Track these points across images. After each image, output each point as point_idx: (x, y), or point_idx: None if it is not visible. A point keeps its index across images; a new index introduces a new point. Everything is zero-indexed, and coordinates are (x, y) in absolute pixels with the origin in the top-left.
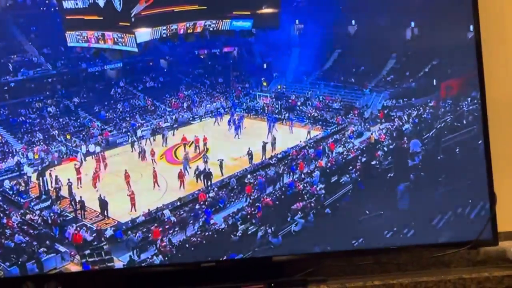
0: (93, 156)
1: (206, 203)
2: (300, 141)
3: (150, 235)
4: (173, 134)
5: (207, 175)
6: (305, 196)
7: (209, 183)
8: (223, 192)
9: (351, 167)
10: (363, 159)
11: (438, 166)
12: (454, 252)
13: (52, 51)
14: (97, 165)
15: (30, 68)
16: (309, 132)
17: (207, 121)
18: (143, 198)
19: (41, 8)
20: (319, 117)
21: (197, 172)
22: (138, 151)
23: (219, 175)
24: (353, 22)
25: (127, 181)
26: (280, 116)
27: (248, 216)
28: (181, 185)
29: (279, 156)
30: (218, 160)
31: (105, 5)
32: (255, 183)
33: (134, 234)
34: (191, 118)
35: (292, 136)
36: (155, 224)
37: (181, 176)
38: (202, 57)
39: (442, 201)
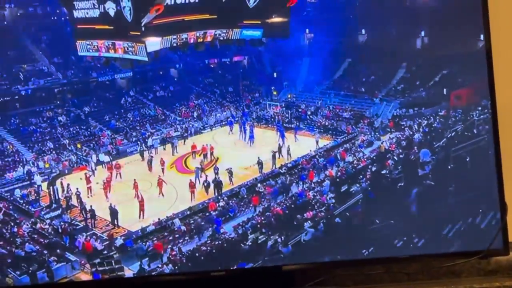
0: (104, 165)
1: (216, 212)
2: (310, 150)
3: (152, 248)
4: (184, 143)
5: (218, 184)
6: (315, 206)
7: (220, 192)
8: (233, 202)
9: (361, 177)
10: (373, 169)
11: (448, 175)
12: (464, 262)
13: (63, 60)
14: (108, 174)
15: (40, 77)
16: (317, 142)
17: (217, 130)
18: (153, 207)
19: (52, 18)
20: (329, 126)
21: (205, 184)
22: (147, 160)
23: (229, 184)
24: (363, 31)
25: (136, 190)
26: (290, 125)
27: (258, 225)
28: (192, 195)
29: (289, 165)
30: (227, 169)
31: (115, 14)
32: (264, 193)
33: (144, 243)
34: (201, 128)
35: (301, 145)
36: (164, 234)
37: (191, 187)
38: (212, 66)
39: (452, 211)
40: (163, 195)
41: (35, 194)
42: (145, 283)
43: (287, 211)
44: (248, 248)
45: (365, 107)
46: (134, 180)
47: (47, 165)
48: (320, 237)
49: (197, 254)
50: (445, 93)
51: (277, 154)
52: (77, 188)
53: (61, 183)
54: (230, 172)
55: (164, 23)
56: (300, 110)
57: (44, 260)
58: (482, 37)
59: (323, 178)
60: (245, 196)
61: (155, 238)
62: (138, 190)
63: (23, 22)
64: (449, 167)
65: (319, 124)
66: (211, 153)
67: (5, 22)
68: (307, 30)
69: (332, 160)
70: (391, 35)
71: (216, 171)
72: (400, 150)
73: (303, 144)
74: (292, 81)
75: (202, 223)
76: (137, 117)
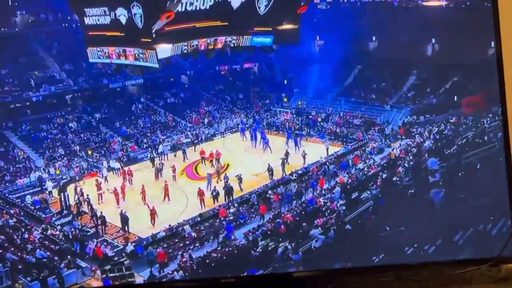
0: (114, 172)
1: (227, 218)
2: (321, 157)
3: (156, 257)
4: (194, 150)
5: (229, 190)
6: (326, 213)
7: (230, 198)
8: (243, 208)
9: (371, 183)
10: (384, 175)
11: (459, 182)
12: (475, 269)
13: (74, 67)
14: (119, 180)
15: (52, 84)
16: (327, 149)
17: (228, 137)
18: (164, 214)
19: (63, 25)
20: (339, 133)
21: (214, 193)
22: (156, 167)
23: (238, 191)
24: (374, 38)
25: (143, 196)
26: (300, 132)
27: (269, 232)
28: (201, 203)
29: (300, 172)
30: (236, 176)
31: (126, 21)
32: (273, 201)
33: (155, 249)
34: (212, 134)
35: (308, 152)
36: (174, 240)
37: (200, 195)
38: (222, 73)
39: (463, 218)
40: (168, 199)
41: (44, 201)
42: None
43: (297, 218)
44: (258, 255)
45: (376, 114)
46: (142, 186)
47: (58, 172)
48: (331, 244)
49: (207, 261)
50: (456, 100)
51: (285, 161)
52: (87, 195)
53: (75, 188)
54: (240, 179)
55: (175, 30)
56: (310, 117)
57: (55, 266)
58: (493, 44)
59: (334, 185)
60: (256, 202)
61: (165, 245)
62: (146, 196)
63: (35, 29)
64: (459, 174)
65: (329, 131)
66: (217, 160)
67: (17, 29)
68: (317, 37)
69: (345, 165)
70: (401, 42)
71: (226, 179)
72: (411, 157)
73: (311, 151)
74: (303, 88)
75: (213, 229)
76: (147, 124)
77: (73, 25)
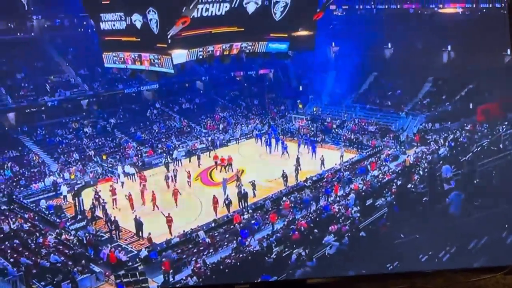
0: (129, 177)
1: (241, 224)
2: (336, 164)
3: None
4: (209, 156)
5: (244, 196)
6: (340, 219)
7: (245, 204)
8: (257, 214)
9: (386, 190)
10: (399, 183)
11: (474, 190)
12: (490, 277)
13: (89, 72)
14: (133, 185)
15: (67, 89)
16: (342, 156)
17: (243, 143)
18: (178, 219)
19: (79, 30)
20: (354, 140)
21: (227, 202)
22: (166, 175)
23: (252, 197)
24: (389, 45)
25: (154, 202)
26: (314, 139)
27: (283, 239)
28: (215, 211)
29: (314, 178)
30: (250, 182)
31: (142, 26)
32: (281, 207)
33: (173, 252)
34: (227, 140)
35: (316, 158)
36: (188, 246)
37: (215, 202)
38: (238, 79)
39: (478, 225)
40: (176, 204)
41: (59, 208)
42: None
43: (312, 225)
44: (272, 261)
45: (391, 121)
46: (153, 192)
47: (72, 176)
48: (345, 250)
49: (221, 267)
50: (471, 107)
51: (298, 168)
52: (103, 199)
53: (95, 192)
54: (253, 185)
55: (190, 36)
56: (326, 123)
57: (69, 271)
58: (508, 51)
59: (348, 191)
60: (270, 209)
61: (179, 250)
62: (156, 201)
63: (50, 33)
64: (475, 181)
65: (344, 137)
66: (230, 164)
67: (33, 34)
68: (333, 43)
69: (363, 170)
70: (417, 49)
71: (240, 186)
72: (426, 165)
73: (326, 158)
74: (318, 94)
75: (227, 235)
76: (162, 129)
77: (89, 30)
